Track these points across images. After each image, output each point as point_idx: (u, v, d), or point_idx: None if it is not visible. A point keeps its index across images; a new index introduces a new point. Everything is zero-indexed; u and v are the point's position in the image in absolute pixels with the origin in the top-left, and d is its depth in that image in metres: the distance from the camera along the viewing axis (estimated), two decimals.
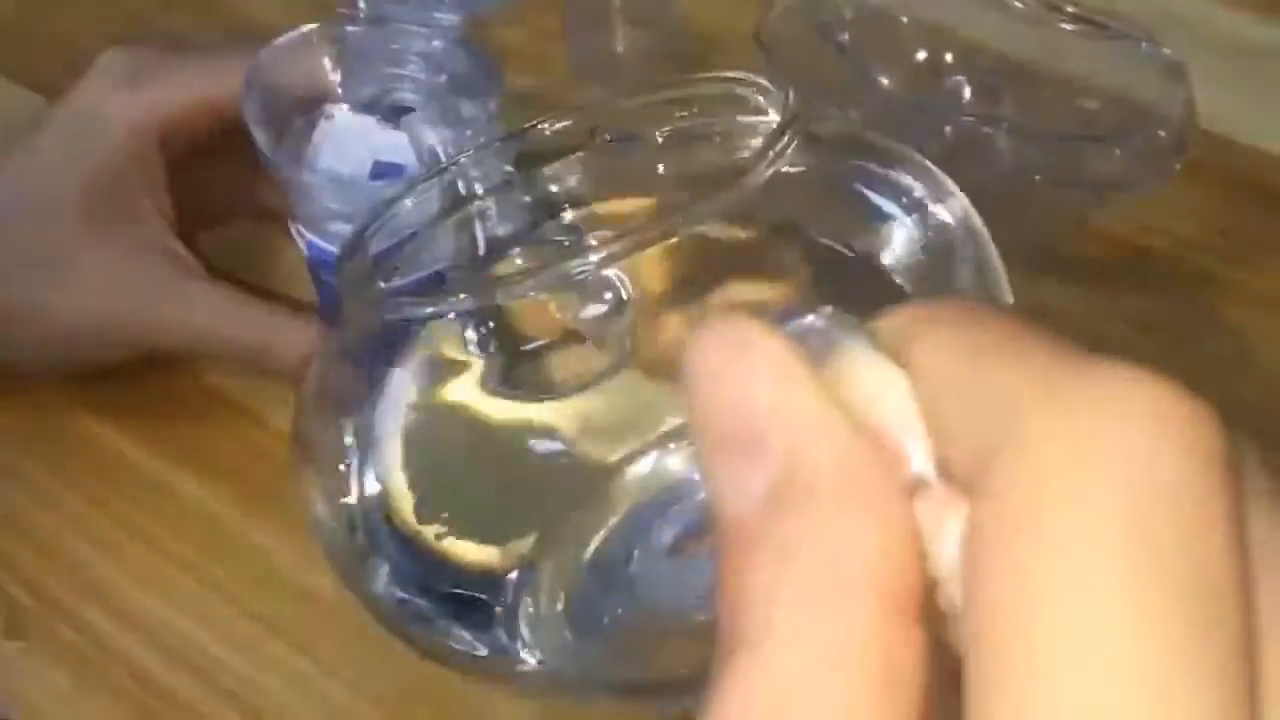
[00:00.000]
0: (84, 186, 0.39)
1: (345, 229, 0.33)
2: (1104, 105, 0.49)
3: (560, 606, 0.27)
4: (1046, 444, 0.11)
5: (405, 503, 0.28)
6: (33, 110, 0.45)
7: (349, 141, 0.35)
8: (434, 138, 0.32)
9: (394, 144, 0.34)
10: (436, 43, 0.35)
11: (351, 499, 0.28)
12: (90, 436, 0.44)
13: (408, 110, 0.34)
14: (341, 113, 0.35)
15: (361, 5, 0.43)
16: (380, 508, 0.28)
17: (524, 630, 0.27)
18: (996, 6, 0.50)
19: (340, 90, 0.35)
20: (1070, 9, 0.49)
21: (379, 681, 0.39)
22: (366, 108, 0.35)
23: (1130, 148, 0.45)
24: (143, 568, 0.41)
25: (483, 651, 0.27)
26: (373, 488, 0.28)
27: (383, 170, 0.34)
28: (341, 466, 0.28)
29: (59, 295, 0.40)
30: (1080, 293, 0.49)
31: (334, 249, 0.35)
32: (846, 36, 0.51)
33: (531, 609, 0.27)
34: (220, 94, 0.39)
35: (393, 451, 0.28)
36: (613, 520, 0.27)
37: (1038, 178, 0.46)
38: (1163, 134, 0.45)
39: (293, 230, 0.38)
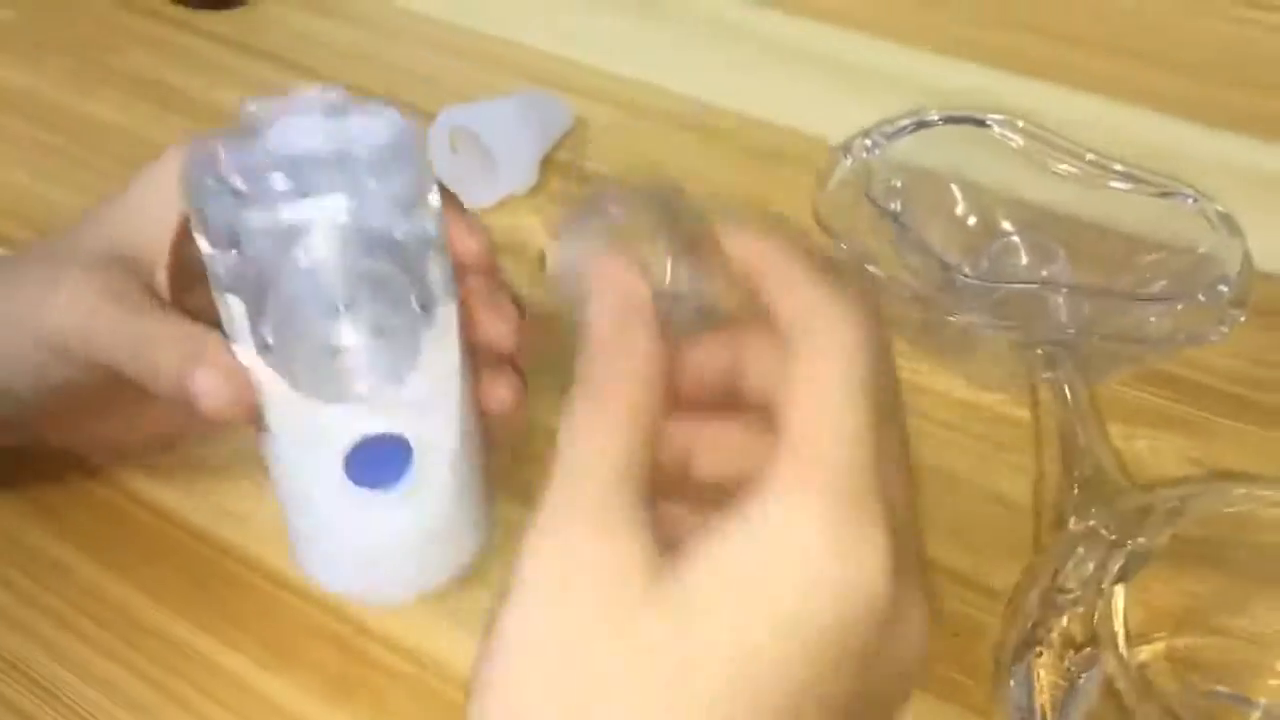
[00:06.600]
0: (117, 255, 0.39)
1: None
2: (1161, 259, 0.49)
3: None
4: (825, 338, 0.28)
5: None
6: None
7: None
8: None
9: None
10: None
11: None
12: (115, 598, 0.44)
13: None
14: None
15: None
16: None
17: None
18: (1045, 169, 0.51)
19: None
20: (1118, 167, 0.50)
21: None
22: None
23: (1192, 303, 0.45)
24: None
25: None
26: None
27: None
28: None
29: (46, 306, 0.39)
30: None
31: None
32: (898, 205, 0.52)
33: None
34: None
35: None
36: None
37: (1096, 337, 0.46)
38: (1223, 288, 0.45)
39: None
